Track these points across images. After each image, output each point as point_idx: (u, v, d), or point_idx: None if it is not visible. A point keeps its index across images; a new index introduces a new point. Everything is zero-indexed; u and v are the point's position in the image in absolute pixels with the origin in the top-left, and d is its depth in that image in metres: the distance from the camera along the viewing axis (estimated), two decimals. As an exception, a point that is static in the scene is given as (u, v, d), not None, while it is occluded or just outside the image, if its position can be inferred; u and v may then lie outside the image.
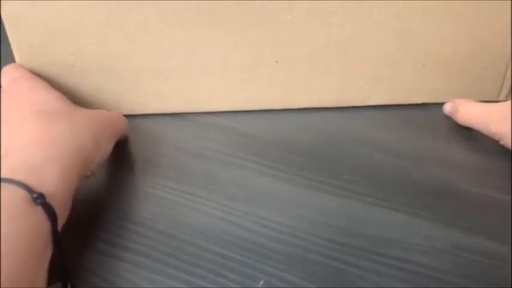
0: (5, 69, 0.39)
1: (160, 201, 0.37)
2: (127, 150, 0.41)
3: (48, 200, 0.27)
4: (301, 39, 0.41)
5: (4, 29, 0.38)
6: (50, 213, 0.28)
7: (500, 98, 0.45)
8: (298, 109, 0.45)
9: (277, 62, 0.42)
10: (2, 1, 0.37)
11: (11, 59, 0.40)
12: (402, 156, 0.40)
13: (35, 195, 0.27)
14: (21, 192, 0.27)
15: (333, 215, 0.35)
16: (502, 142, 0.38)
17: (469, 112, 0.41)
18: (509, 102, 0.39)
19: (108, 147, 0.36)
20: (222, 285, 0.31)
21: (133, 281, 0.32)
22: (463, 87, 0.44)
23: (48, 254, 0.28)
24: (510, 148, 0.38)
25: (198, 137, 0.42)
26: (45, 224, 0.28)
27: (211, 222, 0.35)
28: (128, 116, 0.42)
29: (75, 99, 0.41)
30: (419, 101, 0.45)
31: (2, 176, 0.27)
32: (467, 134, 0.42)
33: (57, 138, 0.31)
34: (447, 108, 0.43)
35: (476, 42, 0.42)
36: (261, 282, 0.31)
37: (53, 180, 0.29)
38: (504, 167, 0.39)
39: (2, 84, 0.38)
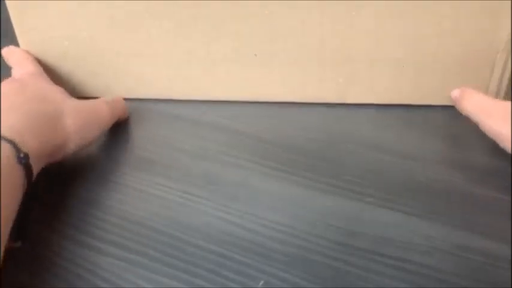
0: (17, 54, 0.43)
1: (160, 201, 0.37)
2: (127, 150, 0.41)
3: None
4: (279, 34, 0.42)
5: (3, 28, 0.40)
6: (28, 173, 0.31)
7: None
8: (299, 109, 0.45)
9: (256, 55, 0.43)
10: None
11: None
12: (402, 156, 0.40)
13: (21, 155, 0.31)
14: (11, 150, 0.30)
15: (333, 215, 0.35)
16: (500, 144, 0.38)
17: (474, 101, 0.40)
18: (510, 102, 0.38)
19: (93, 135, 0.39)
20: (222, 285, 0.31)
21: (133, 281, 0.32)
22: (445, 89, 0.43)
23: (14, 212, 0.31)
24: (506, 150, 0.38)
25: (198, 137, 0.42)
26: (22, 183, 0.31)
27: (211, 222, 0.35)
28: (128, 117, 0.42)
29: (69, 83, 0.45)
30: (399, 101, 0.44)
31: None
32: (468, 135, 0.42)
33: (44, 117, 0.35)
34: (454, 93, 0.41)
35: (458, 44, 0.41)
36: (261, 282, 0.31)
37: (32, 149, 0.32)
38: (504, 167, 0.39)
39: (16, 73, 0.42)
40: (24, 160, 0.31)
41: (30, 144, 0.32)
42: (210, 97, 0.46)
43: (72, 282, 0.31)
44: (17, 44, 0.44)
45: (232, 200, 0.37)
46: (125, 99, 0.44)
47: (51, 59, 0.44)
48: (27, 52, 0.44)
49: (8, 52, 0.44)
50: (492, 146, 0.40)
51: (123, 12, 0.41)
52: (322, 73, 0.43)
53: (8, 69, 0.44)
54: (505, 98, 0.44)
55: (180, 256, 0.33)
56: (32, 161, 0.32)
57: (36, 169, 0.33)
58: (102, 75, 0.45)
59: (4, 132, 0.31)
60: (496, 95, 0.44)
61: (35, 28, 0.43)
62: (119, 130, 0.43)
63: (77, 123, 0.37)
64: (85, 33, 0.43)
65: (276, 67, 0.43)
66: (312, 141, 0.42)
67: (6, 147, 0.30)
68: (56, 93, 0.39)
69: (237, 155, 0.40)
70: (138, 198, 0.37)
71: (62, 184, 0.38)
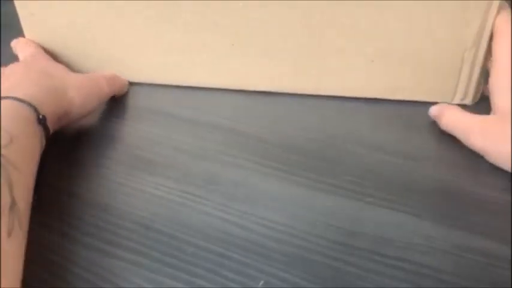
0: (20, 42, 0.47)
1: (160, 201, 0.37)
2: (127, 150, 0.41)
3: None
4: (255, 25, 0.43)
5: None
6: (46, 133, 0.36)
7: (454, 101, 0.44)
8: (299, 109, 0.45)
9: (232, 45, 0.44)
10: None
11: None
12: (402, 156, 0.40)
13: (40, 116, 0.35)
14: (31, 111, 0.35)
15: (333, 215, 0.35)
16: (485, 157, 0.38)
17: (453, 119, 0.40)
18: (492, 116, 0.39)
19: (92, 105, 0.43)
20: (222, 285, 0.31)
21: (133, 281, 0.32)
22: (415, 85, 0.44)
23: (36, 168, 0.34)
24: (493, 163, 0.38)
25: (198, 137, 0.42)
26: (40, 142, 0.35)
27: (211, 222, 0.35)
28: (128, 117, 0.42)
29: (70, 67, 0.47)
30: (370, 95, 0.45)
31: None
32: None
33: (52, 90, 0.39)
34: (433, 111, 0.42)
35: (426, 41, 0.42)
36: (261, 282, 0.31)
37: (47, 113, 0.36)
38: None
39: (20, 57, 0.46)
40: (43, 121, 0.35)
41: (45, 109, 0.36)
42: (189, 83, 0.48)
43: (72, 282, 0.31)
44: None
45: (232, 200, 0.37)
46: (127, 96, 0.46)
47: (51, 43, 0.48)
48: (29, 39, 0.48)
49: (15, 43, 0.48)
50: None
51: (115, 4, 0.44)
52: (297, 64, 0.45)
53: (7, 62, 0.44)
54: (474, 96, 0.44)
55: (180, 256, 0.33)
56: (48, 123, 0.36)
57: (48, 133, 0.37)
58: (87, 60, 0.48)
59: (25, 98, 0.35)
60: (465, 93, 0.44)
61: (35, 14, 0.46)
62: (119, 130, 0.43)
63: (79, 95, 0.41)
64: (66, 20, 0.46)
65: (252, 57, 0.45)
66: (312, 141, 0.42)
67: (28, 110, 0.35)
68: (59, 69, 0.43)
69: (236, 155, 0.40)
70: (138, 198, 0.37)
71: (62, 184, 0.38)
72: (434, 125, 0.43)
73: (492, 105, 0.39)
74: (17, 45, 0.48)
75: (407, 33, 0.42)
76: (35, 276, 0.32)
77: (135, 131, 0.43)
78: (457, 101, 0.44)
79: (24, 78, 0.39)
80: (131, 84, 0.48)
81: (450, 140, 0.41)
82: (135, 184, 0.38)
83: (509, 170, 0.37)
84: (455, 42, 0.41)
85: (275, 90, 0.46)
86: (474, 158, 0.40)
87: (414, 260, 0.32)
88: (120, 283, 0.31)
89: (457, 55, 0.42)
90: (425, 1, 0.40)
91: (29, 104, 0.35)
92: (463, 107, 0.42)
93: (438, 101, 0.43)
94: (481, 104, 0.43)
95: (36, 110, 0.35)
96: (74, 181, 0.38)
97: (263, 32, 0.43)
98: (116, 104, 0.46)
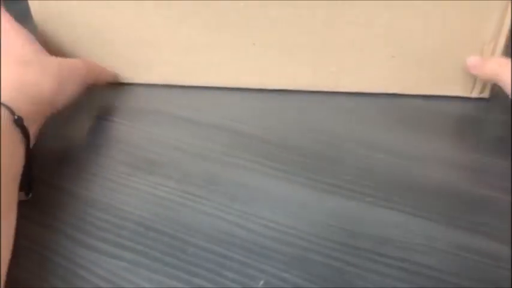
0: None
1: (161, 201, 0.37)
2: (127, 150, 0.41)
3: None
4: (275, 25, 0.43)
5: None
6: (25, 134, 0.34)
7: (472, 95, 0.45)
8: (299, 109, 0.45)
9: (254, 44, 0.44)
10: None
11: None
12: (402, 156, 0.40)
13: (16, 117, 0.33)
14: (6, 113, 0.33)
15: (333, 215, 0.35)
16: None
17: (493, 65, 0.42)
18: None
19: (72, 90, 0.41)
20: (222, 285, 0.31)
21: (133, 281, 0.32)
22: (434, 80, 0.45)
23: (20, 170, 0.33)
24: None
25: (198, 137, 0.42)
26: (20, 143, 0.34)
27: (212, 222, 0.35)
28: (128, 117, 0.41)
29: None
30: (391, 91, 0.46)
31: None
32: (468, 134, 0.42)
33: (27, 82, 0.37)
34: (471, 61, 0.43)
35: (446, 36, 0.42)
36: (261, 282, 0.31)
37: (24, 112, 0.35)
38: (504, 167, 0.39)
39: None
40: (19, 122, 0.34)
41: (22, 109, 0.35)
42: (209, 83, 0.47)
43: (71, 282, 0.31)
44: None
45: (232, 200, 0.37)
46: (127, 96, 0.46)
47: (65, 45, 0.47)
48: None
49: None
50: (492, 146, 0.40)
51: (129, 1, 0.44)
52: (316, 62, 0.45)
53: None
54: (492, 90, 0.45)
55: (180, 256, 0.33)
56: (26, 123, 0.34)
57: (32, 129, 0.36)
58: (105, 60, 0.47)
59: (3, 99, 0.34)
60: (483, 86, 0.45)
61: (52, 16, 0.45)
62: (119, 130, 0.43)
63: (55, 82, 0.39)
64: (87, 20, 0.45)
65: (272, 56, 0.45)
66: (312, 141, 0.42)
67: (3, 111, 0.33)
68: (35, 52, 0.41)
69: (237, 155, 0.40)
70: (138, 198, 0.37)
71: (62, 184, 0.38)
72: (434, 125, 0.43)
73: None
74: None
75: (426, 28, 0.42)
76: (35, 276, 0.32)
77: (135, 131, 0.43)
78: (475, 95, 0.45)
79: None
80: (131, 84, 0.48)
81: (451, 139, 0.41)
82: (135, 184, 0.38)
83: None
84: (474, 37, 0.42)
85: (295, 89, 0.47)
86: (474, 158, 0.40)
87: (414, 260, 0.32)
88: (120, 283, 0.31)
89: (476, 49, 0.42)
90: None
91: (5, 106, 0.33)
92: (481, 101, 0.42)
93: (457, 95, 0.44)
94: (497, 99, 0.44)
95: (10, 109, 0.34)
96: (73, 181, 0.38)
97: (283, 31, 0.43)
98: (116, 103, 0.46)
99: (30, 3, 0.45)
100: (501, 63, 0.41)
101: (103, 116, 0.45)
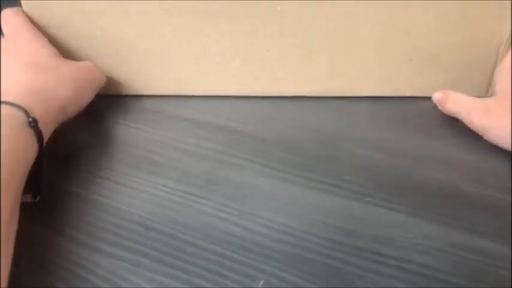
0: (6, 12, 0.42)
1: (161, 201, 0.37)
2: (127, 150, 0.41)
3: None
4: (290, 30, 0.42)
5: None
6: (39, 136, 0.34)
7: (489, 95, 0.45)
8: (299, 109, 0.45)
9: (268, 51, 0.43)
10: None
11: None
12: (402, 156, 0.40)
13: (30, 119, 0.34)
14: (20, 115, 0.33)
15: (332, 214, 0.35)
16: (485, 137, 0.40)
17: (457, 102, 0.42)
18: (493, 97, 0.40)
19: (87, 97, 0.41)
20: (222, 285, 0.31)
21: (133, 281, 0.32)
22: (451, 82, 0.44)
23: (27, 171, 0.33)
24: (493, 143, 0.39)
25: (198, 137, 0.42)
26: (33, 145, 0.34)
27: (211, 222, 0.35)
28: (128, 117, 0.42)
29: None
30: (408, 94, 0.45)
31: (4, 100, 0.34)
32: (468, 134, 0.42)
33: (43, 87, 0.37)
34: (436, 97, 0.44)
35: (462, 38, 0.42)
36: (261, 282, 0.31)
37: (38, 115, 0.35)
38: (504, 167, 0.39)
39: (4, 31, 0.42)
40: (33, 124, 0.34)
41: (36, 112, 0.35)
42: (222, 93, 0.46)
43: (72, 282, 0.31)
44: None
45: (232, 200, 0.37)
46: (127, 96, 0.46)
47: (72, 56, 0.45)
48: (16, 9, 0.43)
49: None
50: (492, 146, 0.40)
51: (136, 9, 0.42)
52: (332, 67, 0.44)
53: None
54: None
55: (180, 256, 0.33)
56: (40, 126, 0.35)
57: (46, 132, 0.36)
58: (117, 71, 0.45)
59: (14, 100, 0.34)
60: None
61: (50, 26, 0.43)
62: (119, 130, 0.43)
63: (72, 89, 0.39)
64: (99, 31, 0.43)
65: (288, 62, 0.44)
66: (312, 141, 0.42)
67: (18, 114, 0.34)
68: (48, 55, 0.40)
69: (237, 155, 0.40)
70: (138, 198, 0.37)
71: (62, 184, 0.38)
72: (434, 125, 0.43)
73: (493, 92, 0.42)
74: (2, 17, 0.43)
75: (443, 30, 0.42)
76: (35, 276, 0.32)
77: (135, 131, 0.43)
78: (490, 95, 0.45)
79: (16, 75, 0.37)
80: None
81: (451, 140, 0.41)
82: (135, 184, 0.38)
83: (509, 147, 0.38)
84: (491, 38, 0.42)
85: (312, 95, 0.46)
86: (474, 158, 0.40)
87: (414, 260, 0.32)
88: (120, 283, 0.31)
89: (493, 50, 0.43)
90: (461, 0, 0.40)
91: (19, 108, 0.34)
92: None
93: (473, 95, 0.44)
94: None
95: (25, 111, 0.34)
96: (74, 181, 0.38)
97: (299, 36, 0.43)
98: (116, 104, 0.46)
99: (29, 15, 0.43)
100: (460, 103, 0.42)
101: (103, 117, 0.45)
